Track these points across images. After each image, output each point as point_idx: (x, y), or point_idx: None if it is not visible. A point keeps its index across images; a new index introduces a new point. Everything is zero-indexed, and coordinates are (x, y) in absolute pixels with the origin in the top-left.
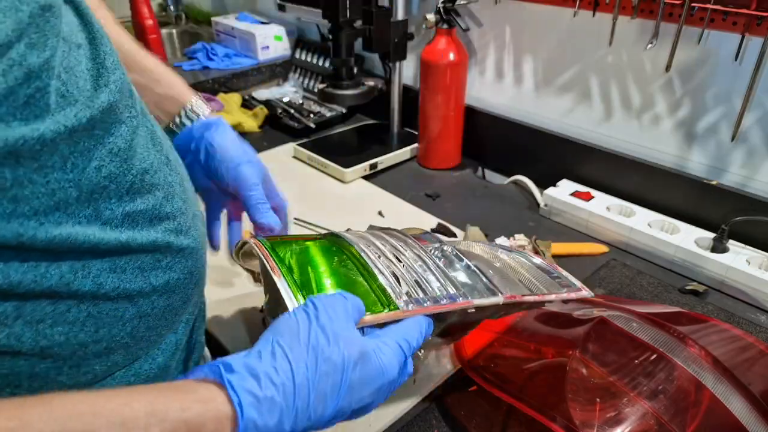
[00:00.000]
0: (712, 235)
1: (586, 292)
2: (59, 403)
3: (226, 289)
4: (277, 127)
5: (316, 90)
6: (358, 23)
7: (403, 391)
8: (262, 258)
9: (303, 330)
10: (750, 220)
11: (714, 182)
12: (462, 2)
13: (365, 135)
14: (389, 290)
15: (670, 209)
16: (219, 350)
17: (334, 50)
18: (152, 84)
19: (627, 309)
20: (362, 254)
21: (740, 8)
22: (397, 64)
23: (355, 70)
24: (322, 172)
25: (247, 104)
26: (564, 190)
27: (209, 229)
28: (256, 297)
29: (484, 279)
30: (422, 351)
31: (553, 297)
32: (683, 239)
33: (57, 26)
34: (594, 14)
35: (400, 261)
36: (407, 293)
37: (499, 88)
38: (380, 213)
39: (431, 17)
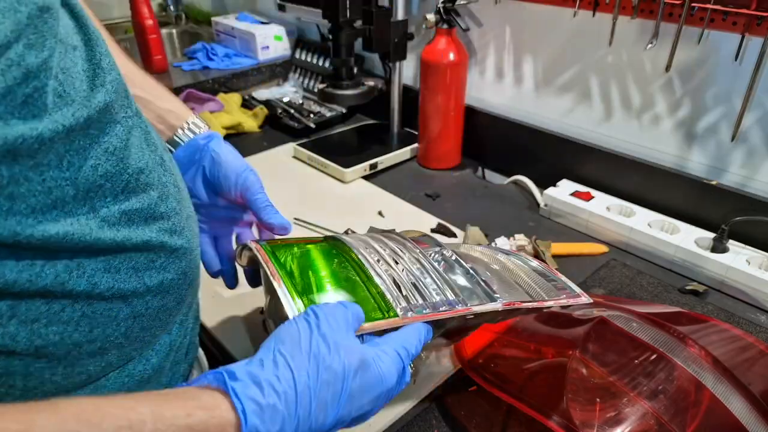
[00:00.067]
0: (712, 235)
1: (584, 299)
2: (65, 407)
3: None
4: (277, 127)
5: (316, 90)
6: (358, 23)
7: (403, 391)
8: (263, 263)
9: (304, 339)
10: (750, 220)
11: (714, 182)
12: (462, 2)
13: (365, 135)
14: (388, 296)
15: (670, 209)
16: (219, 350)
17: (334, 50)
18: (154, 99)
19: (627, 309)
20: (361, 258)
21: (740, 8)
22: (397, 64)
23: (355, 70)
24: (322, 172)
25: (247, 104)
26: (564, 190)
27: (217, 250)
28: (257, 297)
29: (483, 284)
30: (423, 352)
31: (551, 303)
32: (683, 239)
33: (54, 28)
34: (594, 14)
35: (399, 265)
36: (406, 299)
37: (499, 88)
38: (380, 213)
39: (431, 17)
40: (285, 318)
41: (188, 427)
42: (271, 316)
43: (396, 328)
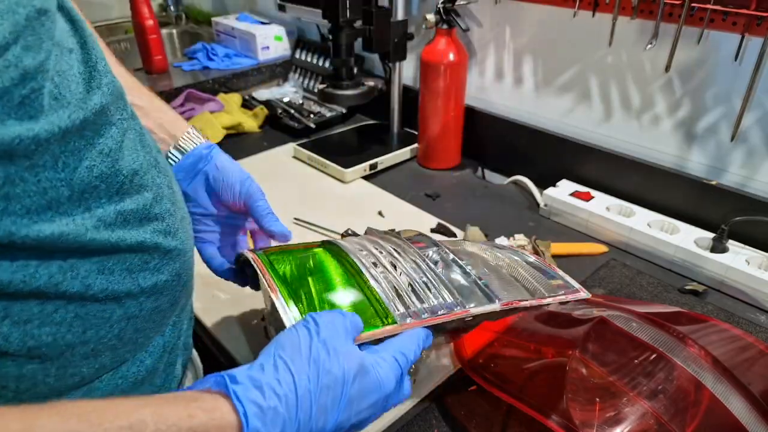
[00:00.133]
0: (711, 235)
1: (583, 293)
2: (66, 408)
3: (227, 290)
4: (277, 127)
5: (316, 90)
6: (358, 23)
7: None
8: (260, 274)
9: (304, 344)
10: (750, 220)
11: (714, 182)
12: (462, 2)
13: (365, 135)
14: (386, 302)
15: (669, 209)
16: (219, 350)
17: (334, 50)
18: (154, 110)
19: (627, 309)
20: (358, 263)
21: (740, 8)
22: (397, 64)
23: (355, 70)
24: (322, 172)
25: (247, 104)
26: (564, 190)
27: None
28: (256, 298)
29: (482, 284)
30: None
31: (550, 300)
32: (683, 239)
33: (51, 30)
34: (594, 14)
35: (396, 268)
36: (404, 303)
37: (499, 88)
38: (380, 213)
39: (431, 17)
40: (284, 327)
41: (189, 429)
42: (272, 323)
43: (395, 335)
